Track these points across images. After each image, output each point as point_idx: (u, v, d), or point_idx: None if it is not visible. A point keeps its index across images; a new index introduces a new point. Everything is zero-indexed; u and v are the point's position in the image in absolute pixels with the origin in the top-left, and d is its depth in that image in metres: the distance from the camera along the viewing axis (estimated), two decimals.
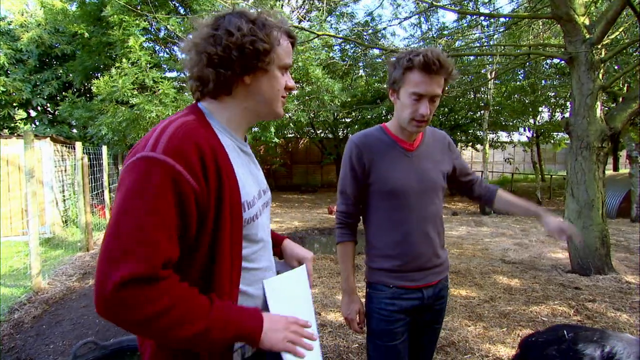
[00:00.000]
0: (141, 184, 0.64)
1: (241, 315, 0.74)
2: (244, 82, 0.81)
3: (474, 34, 7.89)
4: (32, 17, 9.54)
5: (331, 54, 10.21)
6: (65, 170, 7.12)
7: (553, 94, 11.78)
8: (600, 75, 4.02)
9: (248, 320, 0.74)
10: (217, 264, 0.75)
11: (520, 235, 6.52)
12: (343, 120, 13.24)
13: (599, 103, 3.97)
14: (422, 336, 1.40)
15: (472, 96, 12.19)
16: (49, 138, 6.38)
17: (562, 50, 4.29)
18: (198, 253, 0.74)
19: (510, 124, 13.22)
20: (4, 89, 8.61)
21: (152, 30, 8.88)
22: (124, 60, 6.79)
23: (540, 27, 7.12)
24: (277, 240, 1.09)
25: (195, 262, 0.75)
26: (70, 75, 9.28)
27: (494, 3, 7.69)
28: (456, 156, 1.43)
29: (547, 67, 10.91)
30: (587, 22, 4.00)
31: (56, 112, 9.55)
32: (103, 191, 7.28)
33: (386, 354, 1.33)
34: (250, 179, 0.86)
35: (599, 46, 3.94)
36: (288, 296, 0.91)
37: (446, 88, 1.25)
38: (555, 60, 9.85)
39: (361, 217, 1.40)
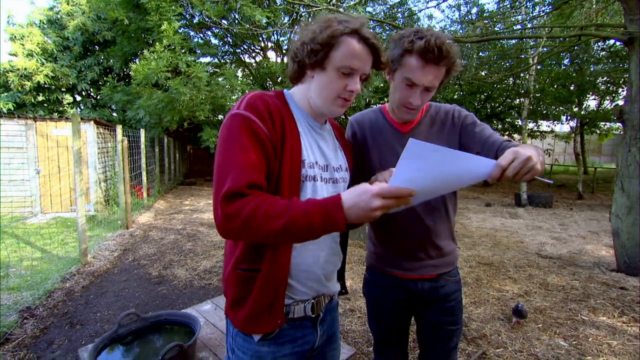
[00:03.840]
0: (229, 131, 0.85)
1: (320, 202, 0.77)
2: (309, 75, 0.95)
3: (517, 16, 7.35)
4: (76, 5, 9.99)
5: None
6: (107, 152, 7.52)
7: (604, 79, 10.83)
8: None
9: (327, 202, 0.77)
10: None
11: (559, 229, 6.19)
12: (375, 105, 12.96)
13: None
14: (430, 335, 1.29)
15: (511, 82, 11.50)
16: (92, 121, 6.73)
17: (621, 30, 3.92)
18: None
19: (553, 112, 12.36)
20: (54, 75, 9.16)
21: (187, 15, 9.04)
22: (157, 44, 6.98)
23: (594, 5, 6.52)
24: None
25: None
26: (111, 60, 9.71)
27: None
28: (467, 124, 1.18)
29: (597, 50, 10.03)
30: None
31: (98, 97, 10.05)
32: (141, 172, 7.63)
33: (381, 342, 1.34)
34: (315, 148, 0.98)
35: None
36: (426, 167, 0.75)
37: (448, 80, 1.12)
38: (609, 42, 9.04)
39: None
